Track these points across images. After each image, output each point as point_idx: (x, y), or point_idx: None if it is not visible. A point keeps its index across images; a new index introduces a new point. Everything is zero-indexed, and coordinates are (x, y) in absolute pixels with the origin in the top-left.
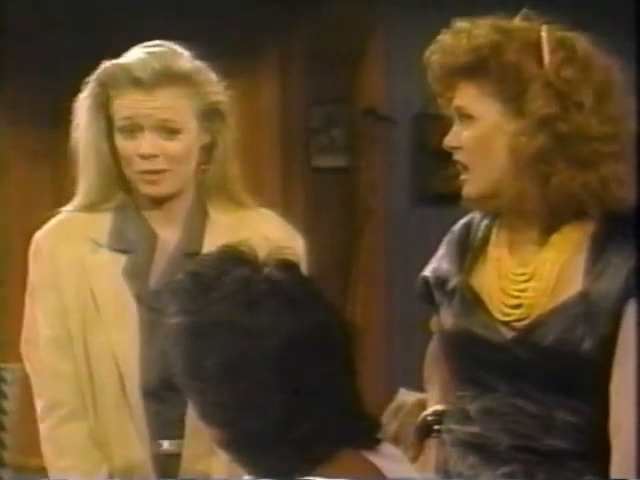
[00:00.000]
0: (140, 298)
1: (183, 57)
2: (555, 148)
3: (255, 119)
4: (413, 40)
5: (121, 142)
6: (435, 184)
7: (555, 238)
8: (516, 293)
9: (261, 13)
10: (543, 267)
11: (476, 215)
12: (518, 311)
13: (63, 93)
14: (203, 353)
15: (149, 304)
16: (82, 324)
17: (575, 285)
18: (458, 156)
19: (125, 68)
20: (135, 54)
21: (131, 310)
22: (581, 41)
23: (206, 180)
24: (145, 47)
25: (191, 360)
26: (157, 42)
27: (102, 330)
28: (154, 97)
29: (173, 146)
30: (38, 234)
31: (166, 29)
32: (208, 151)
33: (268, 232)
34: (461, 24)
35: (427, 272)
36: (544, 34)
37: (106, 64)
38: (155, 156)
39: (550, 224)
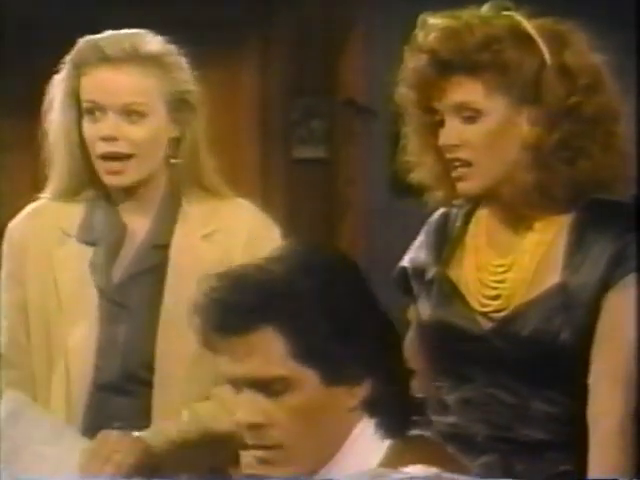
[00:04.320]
0: (103, 291)
1: (154, 40)
2: (582, 132)
3: (234, 110)
4: (394, 31)
5: (86, 125)
6: (410, 178)
7: (534, 229)
8: (494, 284)
9: (241, 1)
10: (522, 258)
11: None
12: (496, 302)
13: (42, 80)
14: None
15: (113, 297)
16: (43, 317)
17: (554, 276)
18: (459, 154)
19: (95, 45)
20: (108, 34)
21: (92, 304)
22: (564, 26)
23: (177, 173)
24: (120, 31)
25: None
26: (124, 30)
27: (62, 323)
28: (121, 76)
29: (136, 130)
30: (11, 223)
31: (146, 14)
32: (177, 144)
33: (243, 222)
34: (453, 17)
35: (405, 262)
36: (528, 24)
37: (80, 41)
38: (115, 139)
39: (529, 214)
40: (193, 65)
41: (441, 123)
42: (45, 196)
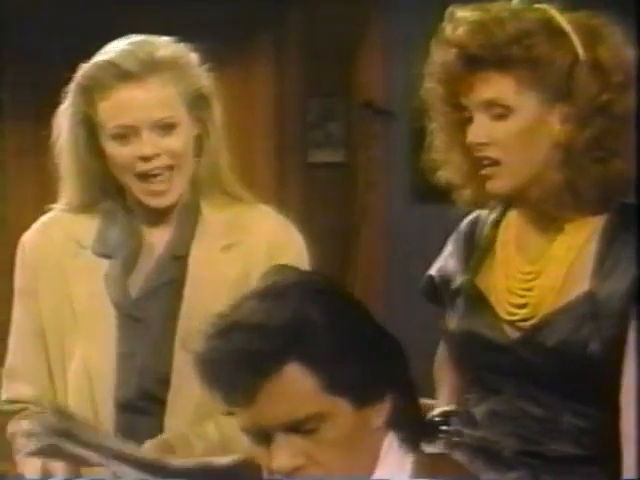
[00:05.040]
0: (119, 306)
1: (163, 43)
2: (614, 131)
3: (248, 112)
4: (413, 30)
5: (115, 149)
6: (436, 178)
7: (564, 232)
8: (522, 292)
9: (254, 0)
10: (551, 265)
11: (483, 212)
12: (523, 311)
13: (48, 89)
14: None
15: (130, 312)
16: (59, 332)
17: (582, 284)
18: (487, 152)
19: (110, 63)
20: (114, 48)
21: (109, 319)
22: (598, 20)
23: (198, 174)
24: (121, 41)
25: None
26: (127, 38)
27: (78, 340)
28: (145, 91)
29: (174, 141)
30: (24, 235)
31: (158, 16)
32: (199, 142)
33: (264, 233)
34: (483, 10)
35: (433, 271)
36: (561, 18)
37: (85, 66)
38: (158, 155)
39: (559, 217)
40: (205, 62)
41: (469, 120)
42: (59, 207)
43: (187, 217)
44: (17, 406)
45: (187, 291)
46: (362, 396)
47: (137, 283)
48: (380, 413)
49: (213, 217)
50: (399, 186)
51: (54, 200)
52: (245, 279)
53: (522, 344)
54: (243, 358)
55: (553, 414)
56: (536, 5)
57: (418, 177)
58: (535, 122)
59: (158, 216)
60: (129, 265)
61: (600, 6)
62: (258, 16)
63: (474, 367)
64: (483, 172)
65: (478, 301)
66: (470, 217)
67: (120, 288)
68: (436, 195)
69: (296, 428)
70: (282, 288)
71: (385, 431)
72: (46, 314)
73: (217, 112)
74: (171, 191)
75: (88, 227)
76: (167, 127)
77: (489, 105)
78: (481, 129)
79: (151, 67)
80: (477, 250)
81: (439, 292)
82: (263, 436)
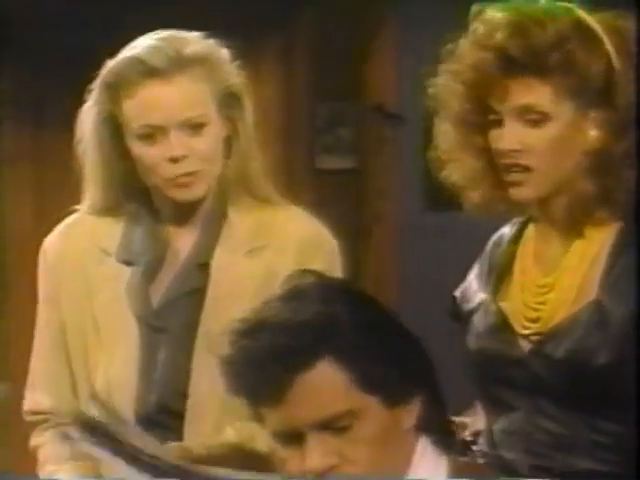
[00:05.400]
0: (140, 316)
1: (192, 38)
2: None
3: (255, 116)
4: (426, 33)
5: (142, 149)
6: (449, 187)
7: (578, 244)
8: (536, 306)
9: (260, 1)
10: (564, 276)
11: (505, 231)
12: (536, 325)
13: (48, 92)
14: None
15: (151, 323)
16: (81, 340)
17: (592, 293)
18: (519, 159)
19: (137, 59)
20: (142, 44)
21: (131, 329)
22: (625, 21)
23: (226, 176)
24: (148, 37)
25: None
26: (155, 33)
27: (100, 351)
28: (173, 89)
29: (202, 142)
30: (47, 240)
31: (163, 14)
32: (228, 143)
33: (292, 237)
34: (516, 10)
35: (457, 292)
36: (591, 20)
37: (111, 62)
38: (186, 157)
39: (577, 228)
40: (236, 59)
41: (495, 123)
42: (82, 209)
43: (212, 221)
44: (39, 417)
45: (208, 300)
46: (393, 395)
47: (159, 292)
48: (411, 414)
49: (239, 221)
50: (411, 193)
51: (52, 209)
52: (269, 286)
53: (533, 357)
54: (273, 355)
55: (568, 429)
56: (563, 4)
57: (431, 183)
58: (570, 129)
59: (184, 218)
60: (151, 273)
61: (601, 7)
62: (265, 16)
63: (490, 384)
64: (509, 178)
65: (496, 317)
66: (494, 237)
67: (141, 297)
68: (450, 202)
69: (328, 426)
70: (305, 289)
71: (417, 433)
72: (69, 323)
73: (248, 112)
74: (197, 184)
75: (112, 232)
76: (196, 127)
77: (524, 111)
78: (514, 136)
79: (179, 64)
80: (497, 267)
81: (461, 312)
82: (294, 437)
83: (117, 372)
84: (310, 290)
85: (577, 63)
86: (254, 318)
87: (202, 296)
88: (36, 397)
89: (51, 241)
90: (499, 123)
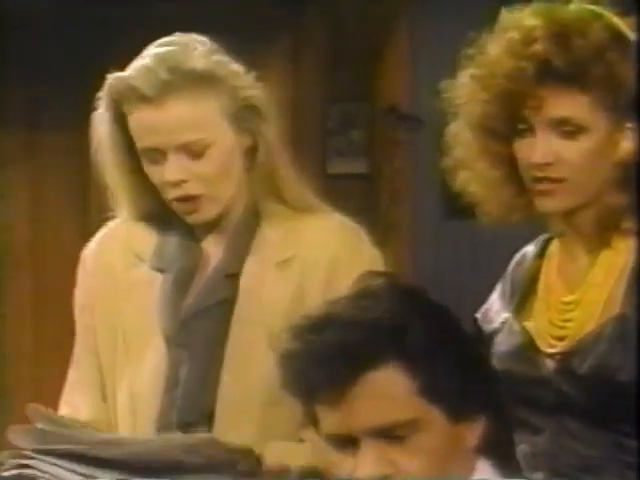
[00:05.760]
0: (166, 328)
1: (197, 53)
2: None
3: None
4: (443, 30)
5: (147, 167)
6: (455, 189)
7: (604, 258)
8: (562, 324)
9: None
10: (590, 292)
11: (529, 249)
12: (563, 343)
13: (42, 92)
14: None
15: (177, 335)
16: (111, 351)
17: (616, 307)
18: (551, 172)
19: (128, 84)
20: (140, 63)
21: (157, 342)
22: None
23: (254, 187)
24: (153, 49)
25: None
26: (167, 40)
27: (127, 362)
28: (168, 112)
29: (204, 166)
30: (86, 248)
31: (167, 15)
32: (253, 153)
33: (325, 246)
34: (551, 17)
35: (479, 313)
36: (624, 26)
37: (110, 78)
38: (184, 181)
39: (602, 242)
40: (251, 70)
41: (523, 133)
42: (119, 216)
43: (243, 231)
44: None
45: (236, 314)
46: (458, 409)
47: (187, 303)
48: (474, 433)
49: (271, 231)
50: (428, 200)
51: (47, 216)
52: (299, 299)
53: (559, 375)
54: (338, 351)
55: (595, 449)
56: (594, 7)
57: (449, 190)
58: (605, 141)
59: (216, 227)
60: (182, 282)
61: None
62: (274, 14)
63: (514, 405)
64: (537, 187)
65: (520, 337)
66: (517, 257)
67: (170, 307)
68: (469, 210)
69: (386, 434)
70: (376, 290)
71: (476, 455)
72: (100, 332)
73: (269, 123)
74: (206, 207)
75: (148, 238)
76: (197, 150)
77: (560, 123)
78: (547, 148)
79: (175, 86)
80: (520, 286)
81: (483, 334)
82: (348, 441)
83: (140, 387)
84: (381, 291)
85: (616, 73)
86: (321, 314)
87: (229, 310)
88: (69, 405)
89: (89, 248)
90: (528, 133)
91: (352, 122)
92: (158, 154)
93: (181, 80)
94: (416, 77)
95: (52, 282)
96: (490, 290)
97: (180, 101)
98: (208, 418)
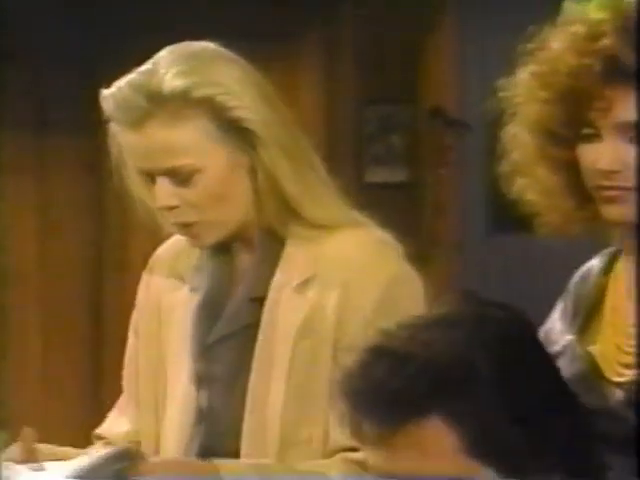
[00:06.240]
0: (193, 354)
1: (168, 76)
2: None
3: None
4: (492, 25)
5: (149, 189)
6: (518, 205)
7: None
8: (630, 349)
9: None
10: None
11: (593, 263)
12: (632, 371)
13: (49, 99)
14: None
15: (200, 363)
16: (152, 374)
17: None
18: (618, 181)
19: (108, 108)
20: (112, 91)
21: (186, 368)
22: None
23: (262, 206)
24: (123, 79)
25: None
26: (146, 65)
27: (165, 384)
28: (148, 138)
29: (191, 193)
30: (151, 259)
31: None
32: (256, 173)
33: (340, 266)
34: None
35: (540, 333)
36: None
37: (101, 94)
38: (177, 206)
39: None
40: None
41: (589, 138)
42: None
43: (268, 252)
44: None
45: (259, 340)
46: (515, 470)
47: (215, 328)
48: None
49: (294, 251)
50: (474, 211)
51: (57, 228)
52: (312, 321)
53: (627, 406)
54: (381, 393)
55: None
56: None
57: (497, 200)
58: None
59: (245, 246)
60: (210, 305)
61: None
62: (305, 11)
63: None
64: (603, 194)
65: (584, 363)
66: (580, 272)
67: (196, 332)
68: (519, 222)
69: None
70: (451, 320)
71: None
72: (141, 356)
73: (266, 143)
74: (205, 233)
75: (191, 257)
76: (184, 176)
77: (630, 128)
78: (616, 155)
79: (150, 112)
80: (584, 306)
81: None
82: None
83: (173, 413)
84: (455, 323)
85: None
86: (377, 346)
87: (255, 333)
88: (107, 423)
89: (151, 260)
90: (594, 138)
91: (392, 126)
92: (149, 175)
93: (154, 105)
94: (464, 76)
95: (59, 295)
96: (544, 310)
97: (157, 127)
98: (231, 456)
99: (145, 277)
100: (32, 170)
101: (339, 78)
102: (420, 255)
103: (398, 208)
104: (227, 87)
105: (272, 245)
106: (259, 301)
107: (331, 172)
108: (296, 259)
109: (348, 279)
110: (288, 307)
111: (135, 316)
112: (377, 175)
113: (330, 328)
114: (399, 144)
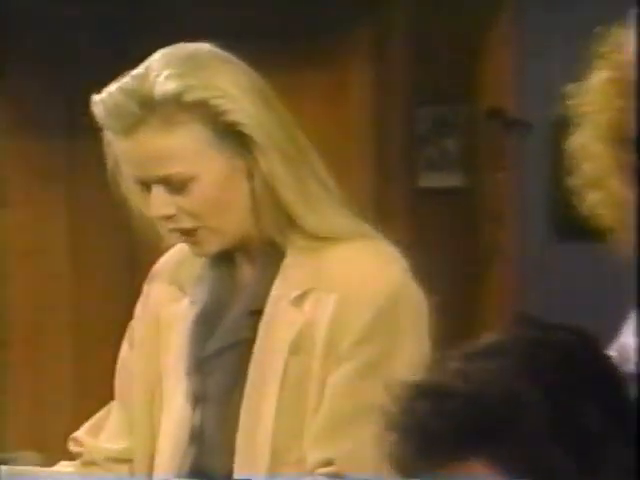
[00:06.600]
0: (188, 367)
1: (159, 80)
2: None
3: (341, 126)
4: (553, 20)
5: (145, 195)
6: (581, 212)
7: None
8: None
9: None
10: None
11: None
12: None
13: (81, 99)
14: None
15: (192, 379)
16: (148, 389)
17: None
18: None
19: (99, 114)
20: (102, 96)
21: (182, 388)
22: None
23: (260, 214)
24: (122, 78)
25: None
26: (139, 67)
27: (161, 398)
28: (141, 147)
29: (186, 201)
30: (152, 271)
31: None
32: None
33: (336, 279)
34: None
35: (613, 350)
36: None
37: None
38: (173, 214)
39: None
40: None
41: None
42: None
43: (268, 264)
44: (78, 449)
45: (254, 355)
46: None
47: (211, 341)
48: None
49: (293, 263)
50: (536, 218)
51: (87, 240)
52: (305, 337)
53: None
54: (422, 431)
55: None
56: None
57: (560, 207)
58: None
59: (246, 257)
60: (206, 317)
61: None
62: (353, 7)
63: None
64: None
65: None
66: None
67: (193, 346)
68: (582, 230)
69: None
70: (502, 348)
71: None
72: (136, 369)
73: (265, 149)
74: (206, 241)
75: (193, 268)
76: (178, 184)
77: None
78: None
79: (142, 118)
80: None
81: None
82: None
83: (167, 429)
84: (503, 348)
85: None
86: (425, 379)
87: (248, 351)
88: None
89: (153, 269)
90: None
91: (446, 128)
92: (145, 185)
93: (146, 111)
94: (524, 74)
95: (92, 297)
96: (612, 324)
97: (150, 134)
98: (227, 466)
99: (145, 288)
100: (62, 174)
101: (390, 77)
102: (477, 264)
103: (453, 215)
104: (222, 90)
105: (273, 256)
106: (258, 314)
107: (381, 176)
108: (295, 271)
109: (344, 294)
110: (284, 321)
111: (132, 326)
112: (431, 180)
113: (321, 344)
114: (454, 147)
